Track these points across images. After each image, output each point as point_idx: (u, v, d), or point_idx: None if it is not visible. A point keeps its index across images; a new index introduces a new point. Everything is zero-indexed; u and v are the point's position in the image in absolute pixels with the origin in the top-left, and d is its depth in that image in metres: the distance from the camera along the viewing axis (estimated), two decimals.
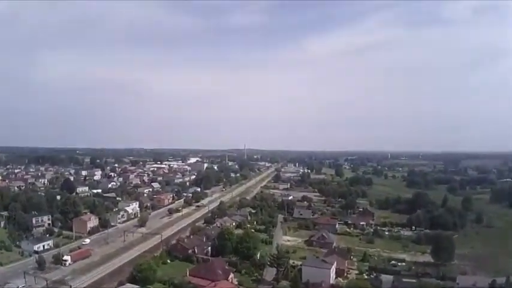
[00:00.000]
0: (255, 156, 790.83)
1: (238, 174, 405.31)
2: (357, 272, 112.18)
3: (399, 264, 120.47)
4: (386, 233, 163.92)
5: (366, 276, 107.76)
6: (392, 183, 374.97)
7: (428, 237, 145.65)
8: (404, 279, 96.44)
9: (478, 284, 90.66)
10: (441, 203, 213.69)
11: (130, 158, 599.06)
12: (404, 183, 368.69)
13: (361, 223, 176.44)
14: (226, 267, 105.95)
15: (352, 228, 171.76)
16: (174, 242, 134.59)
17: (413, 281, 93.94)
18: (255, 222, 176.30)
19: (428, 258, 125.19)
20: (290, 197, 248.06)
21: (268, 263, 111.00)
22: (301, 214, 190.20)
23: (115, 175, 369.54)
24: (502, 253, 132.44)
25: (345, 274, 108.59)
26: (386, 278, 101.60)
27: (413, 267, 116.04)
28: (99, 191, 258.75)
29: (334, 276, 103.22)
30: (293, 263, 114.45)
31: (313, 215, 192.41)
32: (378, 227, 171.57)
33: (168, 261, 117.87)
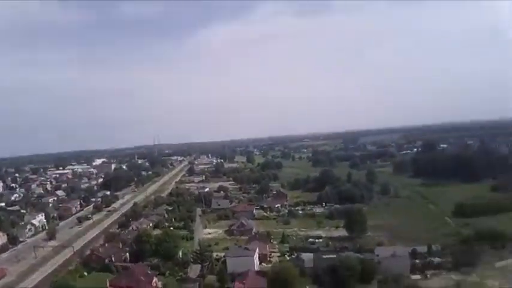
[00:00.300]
0: (167, 151, 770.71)
1: (150, 172, 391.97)
2: (278, 254, 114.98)
3: (317, 241, 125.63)
4: (300, 212, 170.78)
5: (287, 258, 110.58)
6: (299, 165, 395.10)
7: (340, 212, 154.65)
8: (324, 256, 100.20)
9: (397, 253, 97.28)
10: (346, 178, 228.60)
11: (31, 165, 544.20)
12: (310, 163, 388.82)
13: (276, 205, 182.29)
14: (149, 271, 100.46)
15: (268, 212, 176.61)
16: (88, 252, 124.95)
17: (333, 256, 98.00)
18: (173, 220, 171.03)
19: (342, 232, 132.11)
20: (206, 189, 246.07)
21: (192, 260, 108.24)
22: (219, 205, 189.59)
23: (16, 186, 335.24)
24: (412, 221, 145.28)
25: (268, 258, 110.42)
26: (307, 256, 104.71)
27: (330, 243, 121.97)
28: (2, 204, 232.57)
29: (258, 263, 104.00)
30: (217, 255, 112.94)
31: (230, 204, 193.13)
32: (292, 208, 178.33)
33: (85, 273, 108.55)
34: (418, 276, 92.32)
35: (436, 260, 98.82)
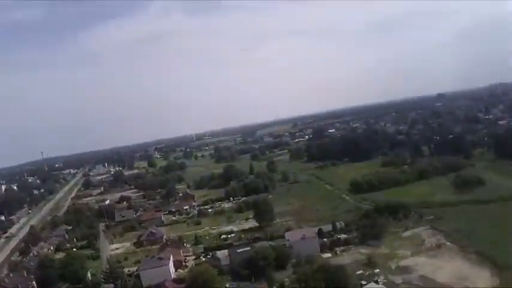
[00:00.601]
0: (57, 165, 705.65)
1: (42, 190, 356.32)
2: (194, 257, 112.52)
3: (229, 236, 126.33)
4: (210, 210, 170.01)
5: (203, 259, 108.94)
6: (203, 163, 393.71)
7: (248, 204, 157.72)
8: (238, 250, 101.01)
9: (306, 235, 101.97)
10: (249, 171, 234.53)
11: None
12: (213, 160, 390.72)
13: (185, 207, 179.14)
14: None
15: (177, 216, 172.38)
16: None
17: (248, 248, 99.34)
18: (74, 240, 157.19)
19: (253, 223, 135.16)
20: (107, 201, 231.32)
21: (103, 280, 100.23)
22: (123, 216, 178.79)
23: None
24: (314, 203, 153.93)
25: (184, 264, 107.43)
26: (222, 254, 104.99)
27: (242, 236, 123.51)
28: None
29: (173, 270, 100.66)
30: (129, 271, 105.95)
31: (136, 214, 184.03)
32: (201, 207, 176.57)
33: None
34: (328, 254, 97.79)
35: (343, 236, 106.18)
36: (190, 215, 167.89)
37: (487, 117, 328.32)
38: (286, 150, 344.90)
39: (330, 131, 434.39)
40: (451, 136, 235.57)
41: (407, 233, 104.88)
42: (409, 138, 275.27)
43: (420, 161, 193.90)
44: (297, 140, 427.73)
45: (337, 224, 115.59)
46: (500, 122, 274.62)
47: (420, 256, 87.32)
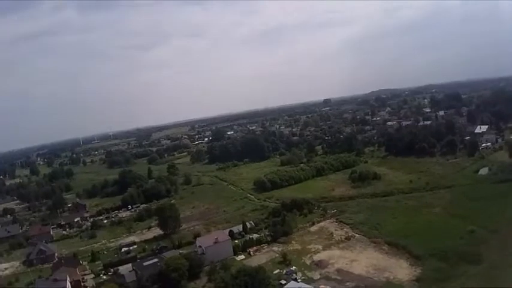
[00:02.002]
0: None
1: None
2: (93, 276, 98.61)
3: (131, 248, 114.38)
4: (105, 221, 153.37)
5: (104, 277, 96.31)
6: (93, 169, 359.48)
7: (149, 211, 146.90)
8: (144, 263, 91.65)
9: (219, 239, 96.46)
10: (147, 175, 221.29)
11: None
12: (105, 165, 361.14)
13: (76, 219, 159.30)
14: None
15: (68, 229, 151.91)
16: None
17: (155, 260, 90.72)
18: None
19: (157, 231, 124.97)
20: None
21: None
22: (8, 232, 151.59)
23: None
24: (220, 204, 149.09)
25: (82, 284, 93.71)
26: (126, 269, 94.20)
27: (146, 247, 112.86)
28: None
29: None
30: None
31: (21, 229, 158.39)
32: (95, 218, 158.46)
33: None
34: (242, 256, 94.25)
35: (255, 236, 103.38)
36: (83, 227, 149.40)
37: (374, 119, 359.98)
38: (186, 153, 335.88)
39: (229, 133, 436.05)
40: (342, 136, 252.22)
41: (315, 228, 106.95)
42: (303, 139, 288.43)
43: (316, 159, 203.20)
44: (196, 143, 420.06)
45: (248, 224, 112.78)
46: (389, 123, 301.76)
47: (332, 249, 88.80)
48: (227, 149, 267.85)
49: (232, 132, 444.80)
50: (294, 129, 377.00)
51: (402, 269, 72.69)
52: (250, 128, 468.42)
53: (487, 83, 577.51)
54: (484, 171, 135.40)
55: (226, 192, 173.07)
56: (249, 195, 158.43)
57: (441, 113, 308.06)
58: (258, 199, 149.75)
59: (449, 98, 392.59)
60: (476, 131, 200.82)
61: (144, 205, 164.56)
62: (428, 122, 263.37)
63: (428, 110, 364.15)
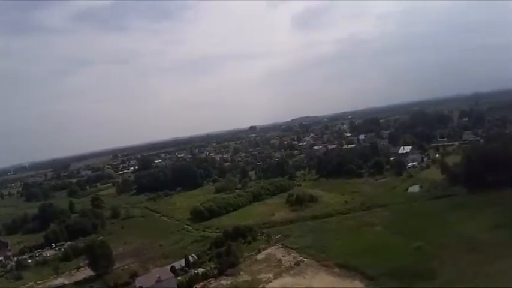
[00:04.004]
0: None
1: None
2: None
3: None
4: (30, 260, 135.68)
5: None
6: (11, 202, 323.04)
7: (76, 250, 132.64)
8: None
9: (162, 277, 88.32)
10: (69, 209, 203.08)
11: None
12: (22, 198, 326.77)
13: None
14: None
15: None
16: None
17: None
18: None
19: (87, 272, 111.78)
20: None
21: None
22: None
23: None
24: (155, 238, 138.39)
25: None
26: None
27: None
28: None
29: None
30: None
31: None
32: (19, 257, 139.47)
33: None
34: None
35: (200, 270, 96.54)
36: (8, 267, 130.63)
37: (301, 144, 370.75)
38: (110, 184, 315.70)
39: (157, 161, 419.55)
40: (273, 161, 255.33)
41: (261, 255, 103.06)
42: (235, 165, 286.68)
43: (251, 184, 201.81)
44: (121, 172, 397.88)
45: (190, 257, 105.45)
46: (315, 147, 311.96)
47: (284, 277, 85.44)
48: (157, 178, 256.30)
49: (160, 161, 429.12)
50: (224, 156, 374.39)
51: None
52: (179, 156, 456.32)
53: (399, 108, 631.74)
54: (414, 189, 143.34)
55: (160, 224, 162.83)
56: (186, 226, 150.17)
57: (361, 136, 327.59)
58: (197, 230, 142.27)
59: (367, 122, 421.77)
60: (400, 152, 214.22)
61: (69, 242, 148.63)
62: (353, 145, 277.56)
63: (348, 134, 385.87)
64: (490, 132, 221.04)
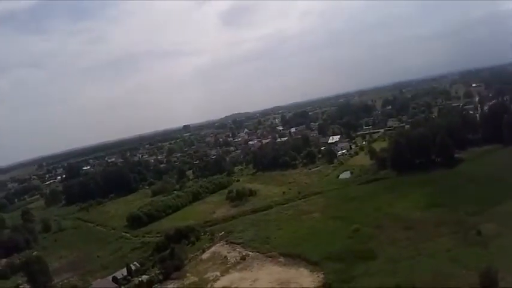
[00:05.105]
0: None
1: None
2: None
3: None
4: None
5: None
6: None
7: (12, 267, 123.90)
8: None
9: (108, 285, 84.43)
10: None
11: None
12: None
13: None
14: None
15: None
16: None
17: None
18: None
19: None
20: None
21: None
22: None
23: None
24: (92, 250, 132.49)
25: None
26: None
27: None
28: None
29: None
30: None
31: None
32: None
33: None
34: None
35: (144, 277, 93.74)
36: None
37: (236, 140, 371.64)
38: (39, 195, 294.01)
39: (85, 168, 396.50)
40: (211, 158, 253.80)
41: (206, 255, 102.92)
42: (171, 166, 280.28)
43: (189, 184, 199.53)
44: (48, 183, 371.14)
45: (132, 266, 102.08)
46: (250, 143, 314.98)
47: (231, 273, 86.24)
48: (87, 186, 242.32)
49: (89, 167, 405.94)
50: (159, 157, 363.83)
51: (305, 278, 74.41)
52: (109, 161, 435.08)
53: (325, 101, 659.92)
54: (345, 175, 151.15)
55: (95, 234, 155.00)
56: (123, 233, 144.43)
57: (293, 129, 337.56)
58: (136, 236, 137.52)
59: (298, 116, 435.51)
60: (329, 141, 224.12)
61: (4, 260, 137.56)
62: (285, 138, 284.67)
63: (281, 128, 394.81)
64: (415, 118, 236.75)
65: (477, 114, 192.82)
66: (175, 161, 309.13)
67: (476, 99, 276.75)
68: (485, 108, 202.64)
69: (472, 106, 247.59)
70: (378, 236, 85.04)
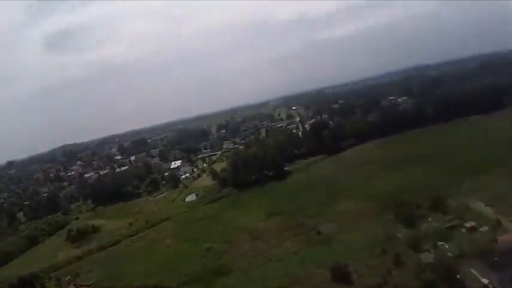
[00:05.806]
0: None
1: None
2: None
3: None
4: None
5: None
6: None
7: None
8: None
9: None
10: None
11: None
12: None
13: None
14: None
15: None
16: None
17: None
18: None
19: None
20: None
21: None
22: None
23: None
24: None
25: None
26: None
27: None
28: None
29: None
30: None
31: None
32: None
33: None
34: None
35: None
36: None
37: (69, 174, 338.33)
38: None
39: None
40: (42, 197, 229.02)
41: None
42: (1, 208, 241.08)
43: (23, 228, 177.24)
44: None
45: None
46: (86, 175, 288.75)
47: None
48: None
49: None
50: None
51: None
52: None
53: (163, 127, 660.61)
54: (191, 197, 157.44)
55: None
56: None
57: (133, 157, 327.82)
58: None
59: (136, 143, 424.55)
60: (172, 167, 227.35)
61: None
62: (125, 167, 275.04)
63: (119, 157, 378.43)
64: (246, 139, 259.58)
65: (299, 132, 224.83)
66: (2, 203, 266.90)
67: (297, 119, 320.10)
68: (306, 126, 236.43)
69: (294, 125, 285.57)
70: (229, 251, 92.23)
